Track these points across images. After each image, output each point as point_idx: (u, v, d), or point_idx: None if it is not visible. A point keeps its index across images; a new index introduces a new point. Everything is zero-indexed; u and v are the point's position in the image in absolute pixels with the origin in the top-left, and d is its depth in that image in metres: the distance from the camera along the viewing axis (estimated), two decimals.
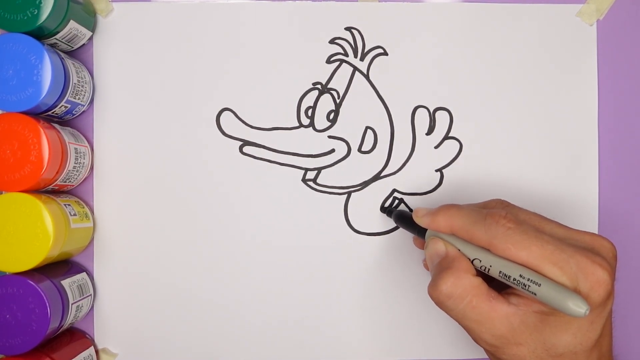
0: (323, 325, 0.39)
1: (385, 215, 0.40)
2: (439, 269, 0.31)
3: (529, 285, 0.28)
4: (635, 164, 0.41)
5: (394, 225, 0.40)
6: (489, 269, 0.29)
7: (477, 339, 0.30)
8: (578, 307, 0.26)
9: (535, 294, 0.27)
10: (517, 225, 0.29)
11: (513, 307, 0.29)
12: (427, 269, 0.37)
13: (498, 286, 0.30)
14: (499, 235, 0.29)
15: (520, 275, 0.28)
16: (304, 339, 0.39)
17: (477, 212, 0.31)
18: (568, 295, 0.26)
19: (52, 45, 0.36)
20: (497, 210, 0.30)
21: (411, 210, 0.40)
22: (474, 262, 0.30)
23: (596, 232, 0.40)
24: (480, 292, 0.29)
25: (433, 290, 0.30)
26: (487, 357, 0.40)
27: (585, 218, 0.40)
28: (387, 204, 0.40)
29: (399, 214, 0.37)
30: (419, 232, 0.34)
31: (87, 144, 0.38)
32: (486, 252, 0.30)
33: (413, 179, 0.40)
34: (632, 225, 0.41)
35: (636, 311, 0.41)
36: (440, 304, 0.30)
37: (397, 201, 0.40)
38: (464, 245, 0.31)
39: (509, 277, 0.28)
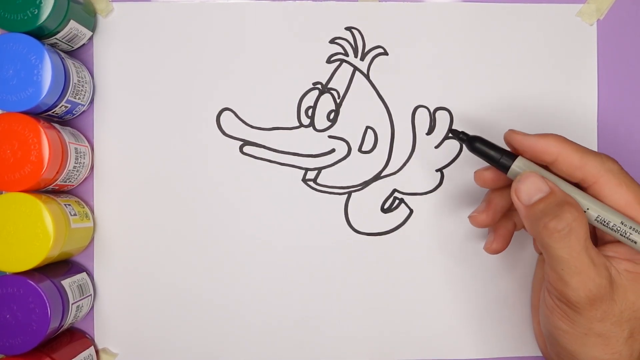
0: (323, 325, 0.39)
1: (385, 215, 0.40)
2: (553, 203, 0.29)
3: (630, 234, 0.27)
4: (636, 164, 0.41)
5: (394, 225, 0.40)
6: (585, 211, 0.28)
7: (573, 290, 0.29)
8: None
9: (635, 243, 0.26)
10: (627, 173, 0.29)
11: (610, 260, 0.29)
12: (477, 223, 0.35)
13: None
14: (614, 169, 0.29)
15: (622, 223, 0.27)
16: (304, 339, 0.39)
17: (585, 148, 0.31)
18: None
19: (53, 45, 0.36)
20: (607, 155, 0.30)
21: (411, 210, 0.40)
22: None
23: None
24: (589, 237, 0.29)
25: (557, 221, 0.28)
26: (486, 357, 0.40)
27: None
28: (387, 205, 0.40)
29: (478, 139, 0.33)
30: (502, 161, 0.31)
31: (87, 144, 0.38)
32: (584, 194, 0.29)
33: (413, 178, 0.40)
34: None
35: None
36: (558, 238, 0.28)
37: (397, 201, 0.40)
38: (563, 186, 0.30)
39: (608, 222, 0.27)
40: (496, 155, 0.31)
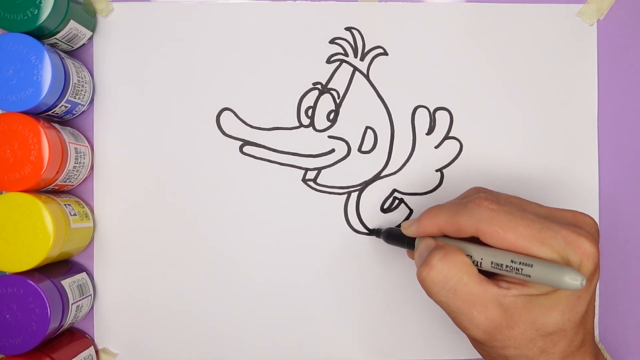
0: (323, 325, 0.39)
1: (385, 215, 0.40)
2: (425, 253, 0.31)
3: (521, 269, 0.27)
4: (635, 164, 0.41)
5: (394, 225, 0.40)
6: (480, 263, 0.29)
7: (468, 326, 0.30)
8: (574, 280, 0.26)
9: (529, 276, 0.27)
10: (500, 207, 0.29)
11: (503, 290, 0.29)
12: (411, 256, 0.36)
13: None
14: (483, 218, 0.29)
15: (512, 261, 0.28)
16: (304, 339, 0.39)
17: (458, 202, 0.31)
18: (563, 271, 0.26)
19: (52, 45, 0.36)
20: (478, 195, 0.30)
21: (411, 210, 0.40)
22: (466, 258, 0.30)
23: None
24: (471, 270, 0.29)
25: (423, 269, 0.30)
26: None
27: None
28: (387, 205, 0.40)
29: (387, 233, 0.37)
30: (409, 244, 0.34)
31: (87, 144, 0.38)
32: (475, 246, 0.30)
33: (413, 179, 0.40)
34: (632, 225, 0.41)
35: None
36: (430, 283, 0.30)
37: (397, 201, 0.40)
38: (455, 243, 0.31)
39: (501, 265, 0.28)
40: (404, 244, 0.35)
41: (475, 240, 0.30)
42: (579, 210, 0.31)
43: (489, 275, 0.30)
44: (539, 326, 0.29)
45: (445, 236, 0.32)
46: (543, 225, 0.28)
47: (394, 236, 0.36)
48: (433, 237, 0.32)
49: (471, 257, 0.30)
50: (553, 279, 0.26)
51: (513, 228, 0.28)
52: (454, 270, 0.29)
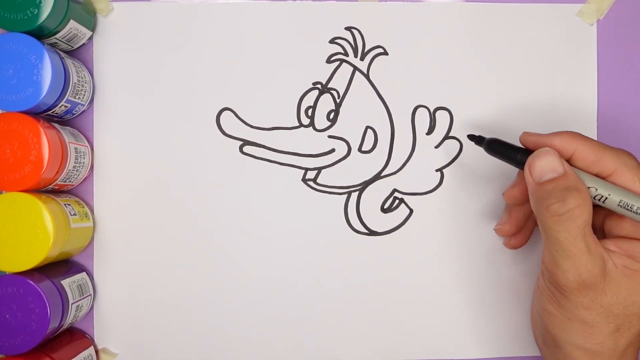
0: (323, 325, 0.39)
1: (385, 215, 0.40)
2: (561, 185, 0.29)
3: None
4: None
5: (394, 225, 0.40)
6: (606, 198, 0.29)
7: (567, 269, 0.29)
8: None
9: None
10: None
11: (609, 253, 0.29)
12: (510, 199, 0.35)
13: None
14: (630, 164, 0.29)
15: None
16: (304, 339, 0.39)
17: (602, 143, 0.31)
18: None
19: (52, 45, 0.36)
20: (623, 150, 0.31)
21: (411, 210, 0.40)
22: (590, 189, 0.29)
23: None
24: (591, 226, 0.29)
25: (560, 205, 0.29)
26: (486, 357, 0.40)
27: None
28: (387, 205, 0.40)
29: (495, 141, 0.34)
30: (521, 160, 0.32)
31: (87, 144, 0.38)
32: (604, 182, 0.29)
33: (413, 178, 0.40)
34: None
35: None
36: (557, 221, 0.29)
37: (397, 201, 0.40)
38: (577, 172, 0.30)
39: (631, 206, 0.28)
40: (513, 157, 0.32)
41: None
42: None
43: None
44: (629, 303, 0.29)
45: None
46: None
47: (502, 146, 0.33)
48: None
49: (596, 189, 0.29)
50: None
51: None
52: (584, 219, 0.29)
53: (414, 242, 0.40)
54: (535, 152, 0.31)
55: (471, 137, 0.36)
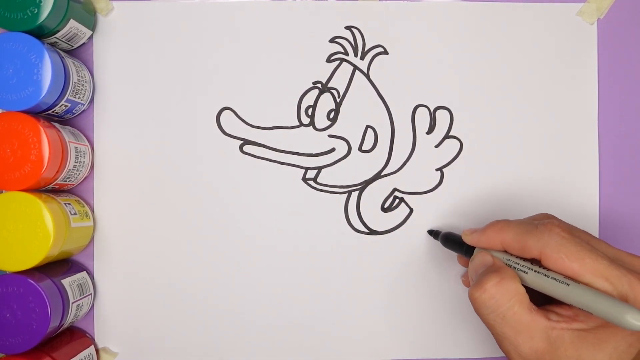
0: (323, 325, 0.39)
1: (385, 214, 0.40)
2: (485, 272, 0.31)
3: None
4: (635, 164, 0.41)
5: (395, 224, 0.40)
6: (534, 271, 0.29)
7: (511, 351, 0.30)
8: (636, 320, 0.25)
9: (589, 307, 0.27)
10: (571, 236, 0.29)
11: (552, 322, 0.29)
12: (466, 285, 0.38)
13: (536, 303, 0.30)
14: (552, 243, 0.29)
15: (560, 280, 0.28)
16: (303, 339, 0.39)
17: (528, 223, 0.31)
18: (626, 309, 0.26)
19: (52, 44, 0.36)
20: (550, 221, 0.30)
21: (411, 209, 0.40)
22: (523, 274, 0.30)
23: (597, 232, 0.40)
24: (523, 299, 0.29)
25: (476, 290, 0.30)
26: (485, 356, 0.40)
27: (586, 218, 0.40)
28: (387, 204, 0.40)
29: (446, 236, 0.37)
30: (467, 252, 0.34)
31: (87, 143, 0.38)
32: (536, 267, 0.30)
33: (413, 178, 0.40)
34: (632, 225, 0.41)
35: None
36: (481, 304, 0.30)
37: (397, 200, 0.40)
38: (512, 260, 0.31)
39: (560, 280, 0.28)
40: (461, 250, 0.35)
41: (536, 263, 0.30)
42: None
43: (540, 305, 0.30)
44: None
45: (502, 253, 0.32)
46: (610, 263, 0.28)
47: (452, 241, 0.36)
48: (491, 250, 0.32)
49: (530, 271, 0.30)
50: (614, 315, 0.26)
51: (580, 259, 0.28)
52: (506, 298, 0.29)
53: (414, 241, 0.40)
54: (471, 257, 0.33)
55: (430, 232, 0.39)
